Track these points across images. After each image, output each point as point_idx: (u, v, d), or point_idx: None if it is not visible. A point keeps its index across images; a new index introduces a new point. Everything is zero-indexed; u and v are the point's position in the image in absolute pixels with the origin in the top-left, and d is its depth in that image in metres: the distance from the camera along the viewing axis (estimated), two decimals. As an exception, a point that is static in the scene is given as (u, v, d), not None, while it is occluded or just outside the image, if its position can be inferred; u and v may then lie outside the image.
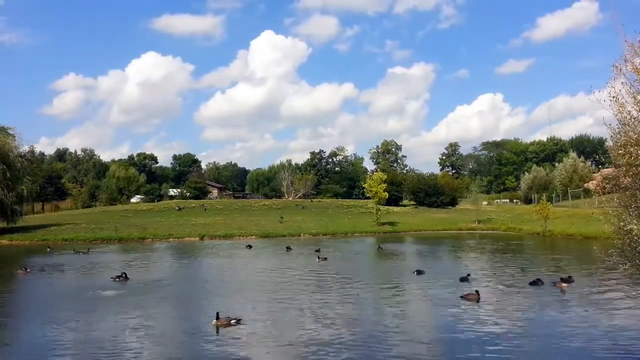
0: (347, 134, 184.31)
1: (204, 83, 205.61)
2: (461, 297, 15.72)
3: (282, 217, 51.09)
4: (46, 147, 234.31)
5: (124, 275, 20.08)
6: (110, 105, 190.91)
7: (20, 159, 47.63)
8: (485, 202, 69.33)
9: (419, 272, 20.94)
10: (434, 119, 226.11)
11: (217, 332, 12.31)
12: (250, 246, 34.10)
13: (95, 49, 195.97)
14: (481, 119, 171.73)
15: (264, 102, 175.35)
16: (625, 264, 8.39)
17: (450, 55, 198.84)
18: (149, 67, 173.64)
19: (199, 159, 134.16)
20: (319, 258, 26.36)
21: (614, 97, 8.31)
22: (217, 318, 12.74)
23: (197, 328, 12.88)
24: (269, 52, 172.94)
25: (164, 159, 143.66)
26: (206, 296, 17.64)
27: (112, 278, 20.09)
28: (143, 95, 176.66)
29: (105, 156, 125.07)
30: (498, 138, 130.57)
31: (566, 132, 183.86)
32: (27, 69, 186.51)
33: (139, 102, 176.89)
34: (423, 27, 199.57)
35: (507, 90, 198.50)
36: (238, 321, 12.78)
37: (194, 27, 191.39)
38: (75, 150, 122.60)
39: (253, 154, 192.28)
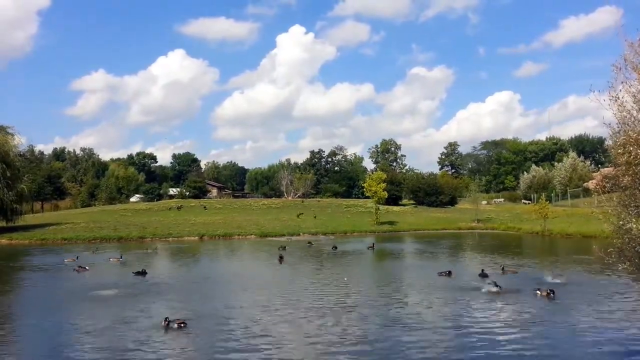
0: (359, 133, 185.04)
1: (229, 86, 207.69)
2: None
3: (314, 217, 52.96)
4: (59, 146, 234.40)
5: (143, 271, 21.80)
6: (131, 106, 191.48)
7: (19, 158, 47.61)
8: (484, 202, 69.40)
9: (445, 274, 20.14)
10: (445, 119, 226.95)
11: (166, 332, 12.23)
12: (335, 247, 32.16)
13: (126, 49, 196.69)
14: (493, 119, 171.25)
15: (282, 102, 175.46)
16: (625, 263, 8.40)
17: (470, 59, 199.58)
18: (175, 67, 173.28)
19: (208, 158, 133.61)
20: (280, 258, 26.43)
21: (613, 96, 8.33)
22: (167, 320, 12.62)
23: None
24: (295, 52, 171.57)
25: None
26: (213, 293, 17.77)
27: (133, 273, 21.72)
28: (165, 96, 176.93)
29: (117, 155, 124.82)
30: (508, 137, 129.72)
31: (574, 132, 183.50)
32: (53, 67, 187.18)
33: (161, 104, 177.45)
34: (448, 32, 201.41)
35: (522, 90, 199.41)
36: (184, 324, 12.60)
37: (228, 32, 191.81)
38: (74, 150, 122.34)
39: (264, 153, 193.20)
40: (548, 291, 15.65)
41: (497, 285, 16.30)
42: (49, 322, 13.91)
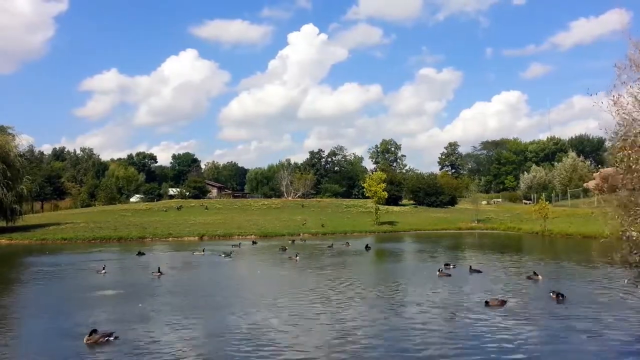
0: (364, 134, 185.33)
1: (239, 88, 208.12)
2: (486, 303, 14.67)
3: (322, 225, 48.06)
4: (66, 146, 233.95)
5: (158, 270, 22.17)
6: (140, 107, 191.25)
7: (19, 158, 47.58)
8: (484, 202, 69.41)
9: (474, 271, 21.00)
10: (451, 120, 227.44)
11: (90, 348, 11.16)
12: (368, 247, 32.34)
13: (139, 49, 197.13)
14: (498, 119, 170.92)
15: (289, 102, 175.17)
16: (627, 269, 8.37)
17: (478, 60, 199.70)
18: (186, 68, 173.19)
19: (212, 158, 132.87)
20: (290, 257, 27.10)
21: (615, 96, 8.31)
22: (90, 334, 11.45)
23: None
24: (306, 53, 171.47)
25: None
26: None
27: (152, 273, 22.18)
28: (174, 97, 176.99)
29: (122, 155, 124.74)
30: (511, 137, 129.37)
31: (577, 132, 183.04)
32: (67, 68, 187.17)
33: (170, 104, 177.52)
34: (458, 34, 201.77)
35: (529, 91, 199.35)
36: (110, 335, 11.60)
37: (242, 34, 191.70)
38: (75, 150, 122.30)
39: (268, 153, 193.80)
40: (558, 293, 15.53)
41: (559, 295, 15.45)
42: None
